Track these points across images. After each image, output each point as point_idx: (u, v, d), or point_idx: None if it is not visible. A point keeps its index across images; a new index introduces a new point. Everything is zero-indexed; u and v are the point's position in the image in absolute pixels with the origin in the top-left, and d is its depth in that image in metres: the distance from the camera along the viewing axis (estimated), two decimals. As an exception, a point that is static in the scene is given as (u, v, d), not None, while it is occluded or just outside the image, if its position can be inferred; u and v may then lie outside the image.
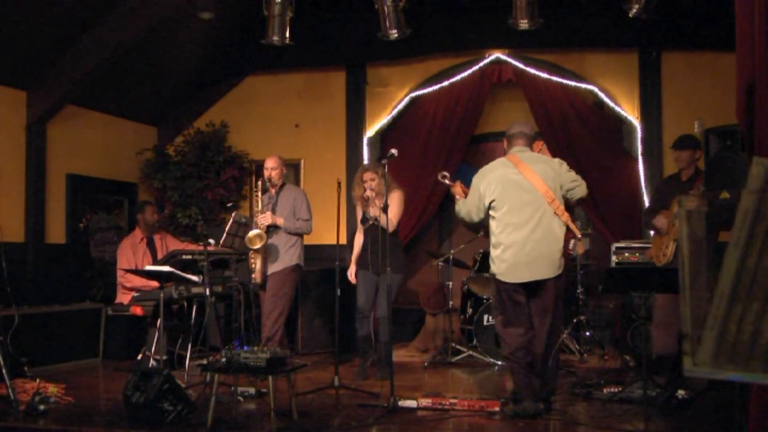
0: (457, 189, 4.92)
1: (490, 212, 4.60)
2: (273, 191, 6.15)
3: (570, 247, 5.03)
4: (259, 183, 6.15)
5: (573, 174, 4.65)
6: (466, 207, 4.72)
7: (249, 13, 7.14)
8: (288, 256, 6.03)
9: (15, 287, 5.67)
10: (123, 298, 6.79)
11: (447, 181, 5.06)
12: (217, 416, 4.29)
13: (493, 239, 4.62)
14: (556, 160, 4.82)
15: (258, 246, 5.86)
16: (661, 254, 5.16)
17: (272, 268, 6.00)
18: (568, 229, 4.58)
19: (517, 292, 4.54)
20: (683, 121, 6.85)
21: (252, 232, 5.89)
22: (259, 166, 6.54)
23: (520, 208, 4.50)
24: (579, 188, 4.59)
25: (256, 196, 6.10)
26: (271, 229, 5.99)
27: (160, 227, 7.29)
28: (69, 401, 4.97)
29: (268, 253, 5.99)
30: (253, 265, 5.97)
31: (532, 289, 4.54)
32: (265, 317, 5.91)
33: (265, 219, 5.93)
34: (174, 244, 7.05)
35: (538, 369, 4.54)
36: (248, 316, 6.06)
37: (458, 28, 7.58)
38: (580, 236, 5.03)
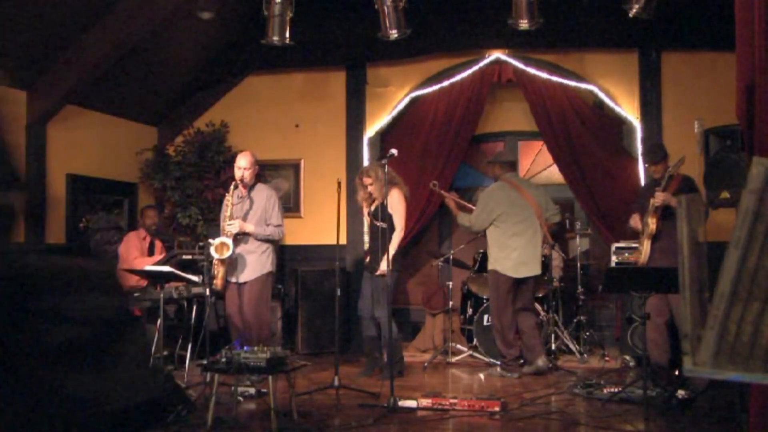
0: (451, 203, 6.42)
1: (495, 223, 6.08)
2: (244, 191, 5.85)
3: (546, 251, 6.34)
4: (231, 187, 5.79)
5: (552, 203, 6.32)
6: (479, 221, 6.15)
7: (249, 13, 7.14)
8: (261, 263, 5.78)
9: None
10: None
11: (437, 189, 6.54)
12: (217, 416, 4.30)
13: (498, 244, 6.05)
14: (541, 187, 6.64)
15: (226, 255, 5.57)
16: (640, 254, 5.36)
17: (246, 276, 5.74)
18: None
19: (510, 285, 5.98)
20: (683, 121, 6.85)
21: (217, 240, 5.60)
22: (260, 167, 6.24)
23: (522, 221, 6.06)
24: (557, 215, 6.30)
25: (227, 202, 5.74)
26: (239, 236, 5.71)
27: (157, 233, 7.24)
28: (69, 401, 4.97)
29: (237, 260, 5.71)
30: (216, 272, 5.63)
31: (521, 282, 6.05)
32: (247, 324, 5.71)
33: (233, 227, 5.64)
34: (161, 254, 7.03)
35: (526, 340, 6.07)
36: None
37: (458, 28, 7.57)
38: (552, 243, 6.46)
